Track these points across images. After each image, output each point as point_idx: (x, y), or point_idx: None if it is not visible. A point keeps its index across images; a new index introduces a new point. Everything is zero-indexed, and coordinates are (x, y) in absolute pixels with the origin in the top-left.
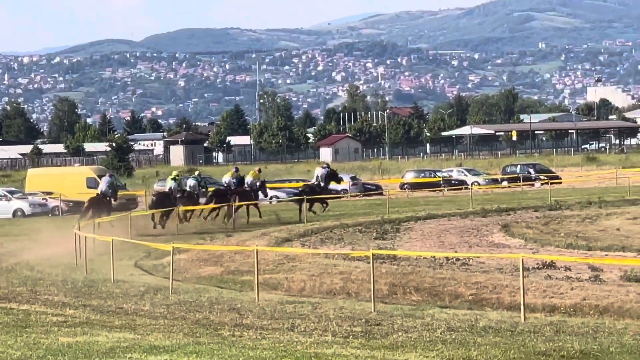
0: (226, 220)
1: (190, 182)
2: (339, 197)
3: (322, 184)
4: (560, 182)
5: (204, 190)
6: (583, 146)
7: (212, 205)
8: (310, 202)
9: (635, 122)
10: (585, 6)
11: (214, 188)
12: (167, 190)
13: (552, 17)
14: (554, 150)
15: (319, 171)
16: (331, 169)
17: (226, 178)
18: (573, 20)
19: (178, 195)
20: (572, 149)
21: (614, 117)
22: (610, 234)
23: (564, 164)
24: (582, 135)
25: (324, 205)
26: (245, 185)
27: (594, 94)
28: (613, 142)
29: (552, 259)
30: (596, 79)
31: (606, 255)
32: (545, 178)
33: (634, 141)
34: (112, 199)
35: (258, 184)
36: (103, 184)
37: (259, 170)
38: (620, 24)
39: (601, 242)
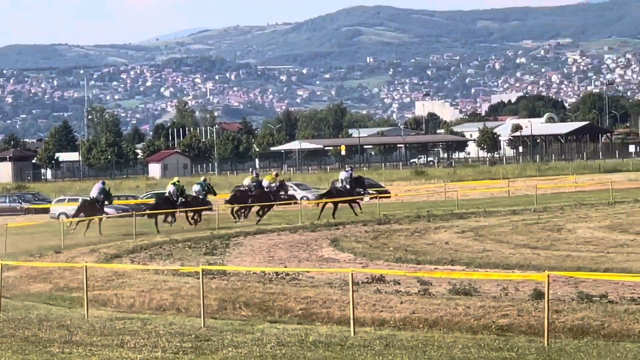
0: (240, 217)
1: (195, 187)
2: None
3: (347, 187)
4: (389, 196)
5: (209, 194)
6: (412, 160)
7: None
8: (334, 204)
9: (463, 135)
10: (413, 21)
11: (234, 190)
12: (167, 194)
13: (380, 31)
14: (383, 164)
15: (342, 175)
16: (356, 174)
17: (246, 181)
18: (401, 35)
19: (182, 200)
20: (400, 163)
21: (442, 131)
22: (439, 247)
23: (392, 178)
24: (411, 149)
25: (358, 205)
26: (265, 188)
27: (422, 108)
28: (441, 155)
29: (382, 273)
30: (424, 93)
31: (435, 268)
32: (374, 192)
33: (461, 155)
34: (107, 202)
35: (274, 186)
36: (94, 190)
37: (276, 175)
38: (448, 38)
39: (430, 255)
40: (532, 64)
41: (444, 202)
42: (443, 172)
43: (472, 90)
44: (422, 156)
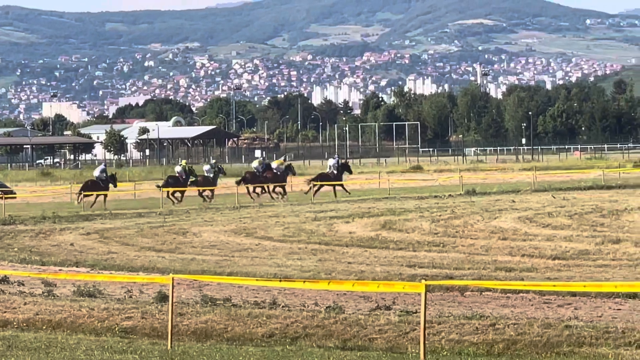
0: (255, 195)
1: (205, 167)
2: None
3: (335, 172)
4: (15, 197)
5: (219, 174)
6: (38, 161)
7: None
8: (321, 186)
9: (90, 137)
10: (42, 22)
11: (246, 171)
12: (176, 174)
13: (8, 32)
14: (9, 165)
15: (331, 161)
16: (344, 160)
17: (254, 164)
18: (29, 36)
19: (192, 179)
20: (27, 164)
21: (69, 132)
22: (64, 249)
23: (18, 178)
24: (38, 150)
25: (344, 189)
26: (274, 170)
27: (50, 110)
28: (68, 157)
29: (6, 274)
30: (52, 94)
31: (60, 270)
32: (0, 193)
33: (88, 156)
34: (112, 183)
35: (283, 167)
36: (97, 171)
37: (284, 159)
38: (77, 40)
39: (55, 257)
40: (160, 67)
41: (70, 204)
42: (69, 174)
43: (100, 93)
44: (49, 157)
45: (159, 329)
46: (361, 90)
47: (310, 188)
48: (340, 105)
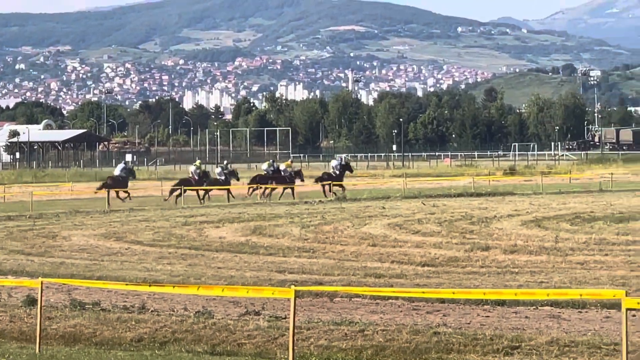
0: (265, 196)
1: (217, 169)
2: None
3: (337, 172)
4: None
5: (231, 176)
6: None
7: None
8: (329, 186)
9: None
10: None
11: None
12: (189, 175)
13: None
14: None
15: (333, 163)
16: (345, 161)
17: (264, 166)
18: None
19: (206, 181)
20: None
21: None
22: None
23: None
24: None
25: (343, 188)
26: (282, 173)
27: None
28: None
29: None
30: None
31: None
32: None
33: None
34: (131, 178)
35: (290, 171)
36: (117, 170)
37: (291, 162)
38: None
39: None
40: (31, 70)
41: None
42: None
43: None
44: None
45: (27, 333)
46: (233, 95)
47: (324, 187)
48: (211, 110)
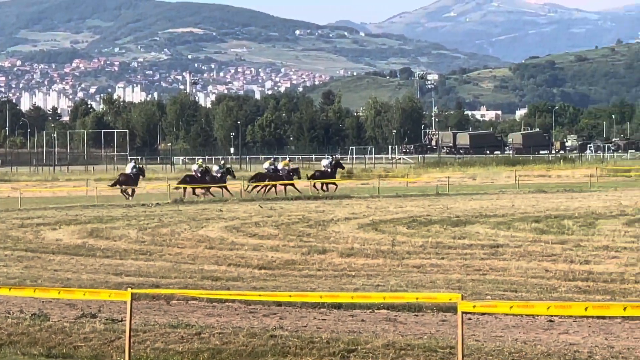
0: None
1: (214, 167)
2: None
3: (329, 170)
4: None
5: (226, 174)
6: None
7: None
8: (322, 183)
9: None
10: None
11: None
12: (192, 172)
13: None
14: None
15: (324, 162)
16: (336, 160)
17: (265, 165)
18: None
19: (207, 178)
20: None
21: None
22: None
23: None
24: None
25: (336, 186)
26: (280, 172)
27: None
28: None
29: None
30: None
31: None
32: None
33: None
34: (142, 176)
35: (287, 169)
36: (128, 168)
37: (290, 160)
38: None
39: None
40: None
41: None
42: None
43: None
44: None
45: None
46: (70, 97)
47: (314, 185)
48: (49, 112)
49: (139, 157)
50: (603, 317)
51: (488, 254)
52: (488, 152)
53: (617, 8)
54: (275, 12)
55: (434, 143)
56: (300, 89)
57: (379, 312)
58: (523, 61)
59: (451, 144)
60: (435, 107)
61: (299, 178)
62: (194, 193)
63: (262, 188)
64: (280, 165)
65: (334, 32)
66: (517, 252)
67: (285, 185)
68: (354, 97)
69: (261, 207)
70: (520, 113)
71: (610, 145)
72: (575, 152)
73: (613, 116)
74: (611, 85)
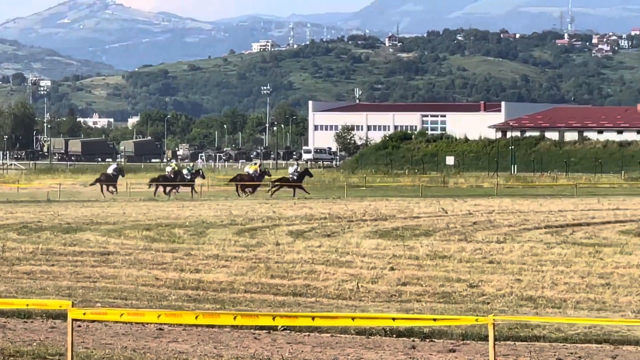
0: (242, 193)
1: (184, 171)
2: None
3: (294, 177)
4: None
5: (194, 176)
6: None
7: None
8: (293, 187)
9: None
10: None
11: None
12: (166, 173)
13: None
14: None
15: (290, 169)
16: (305, 168)
17: (247, 169)
18: None
19: (178, 179)
20: None
21: None
22: None
23: None
24: None
25: (304, 190)
26: (251, 174)
27: None
28: None
29: None
30: None
31: None
32: None
33: None
34: (121, 176)
35: (258, 173)
36: (110, 168)
37: (259, 165)
38: None
39: None
40: None
41: None
42: None
43: None
44: None
45: None
46: None
47: (270, 189)
48: None
49: None
50: (213, 326)
51: (99, 262)
52: (100, 159)
53: (230, 18)
54: None
55: (45, 149)
56: None
57: None
58: (136, 69)
59: (63, 151)
60: (48, 114)
61: (269, 176)
62: (164, 192)
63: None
64: (250, 170)
65: None
66: (128, 259)
67: (256, 186)
68: None
69: None
70: (132, 121)
71: (222, 154)
72: (186, 161)
73: (225, 126)
74: (223, 95)
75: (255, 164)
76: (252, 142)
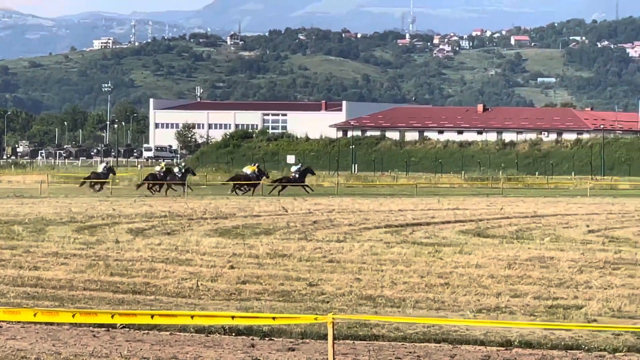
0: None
1: (175, 169)
2: None
3: (296, 176)
4: None
5: (185, 174)
6: None
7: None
8: (284, 186)
9: None
10: None
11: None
12: (155, 171)
13: None
14: None
15: (293, 168)
16: (307, 167)
17: (245, 169)
18: None
19: (168, 177)
20: None
21: None
22: None
23: None
24: None
25: (308, 188)
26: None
27: None
28: None
29: None
30: None
31: None
32: None
33: None
34: (111, 174)
35: (256, 172)
36: (100, 167)
37: (257, 165)
38: None
39: None
40: None
41: None
42: None
43: None
44: None
45: None
46: None
47: (275, 187)
48: None
49: None
50: (51, 324)
51: None
52: None
53: (71, 15)
54: None
55: None
56: None
57: None
58: None
59: None
60: None
61: (267, 177)
62: (150, 189)
63: (239, 187)
64: (248, 171)
65: None
66: None
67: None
68: None
69: None
70: None
71: (62, 152)
72: (26, 158)
73: (65, 123)
74: (64, 92)
75: (254, 164)
76: (93, 139)
